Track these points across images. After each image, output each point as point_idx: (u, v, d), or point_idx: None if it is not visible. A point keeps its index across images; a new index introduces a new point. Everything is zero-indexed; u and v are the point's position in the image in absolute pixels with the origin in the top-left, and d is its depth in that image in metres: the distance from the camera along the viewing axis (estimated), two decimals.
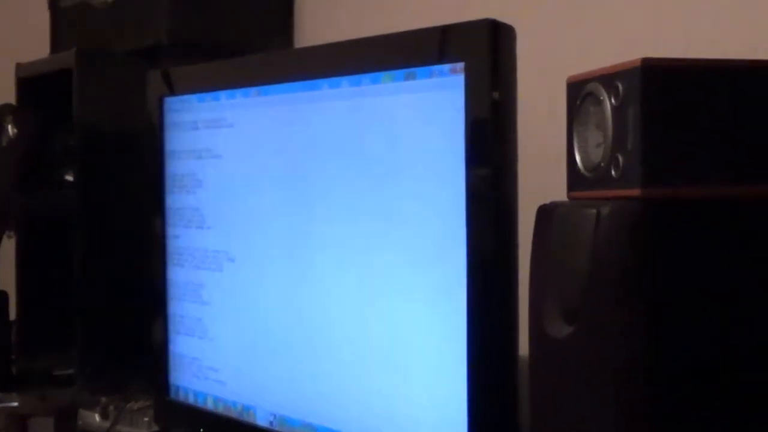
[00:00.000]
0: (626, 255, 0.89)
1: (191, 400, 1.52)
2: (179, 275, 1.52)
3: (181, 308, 1.52)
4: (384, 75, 1.20)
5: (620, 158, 0.91)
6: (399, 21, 1.28)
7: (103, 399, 1.68)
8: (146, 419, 1.62)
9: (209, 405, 1.48)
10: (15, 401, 1.77)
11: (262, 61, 1.45)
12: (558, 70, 1.06)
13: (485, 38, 1.07)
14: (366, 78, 1.22)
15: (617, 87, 0.91)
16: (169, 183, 1.54)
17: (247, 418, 1.41)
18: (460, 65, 1.10)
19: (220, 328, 1.46)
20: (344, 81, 1.25)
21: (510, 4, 1.51)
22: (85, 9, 1.98)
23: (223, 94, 1.44)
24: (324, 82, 1.27)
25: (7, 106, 1.90)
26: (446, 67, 1.12)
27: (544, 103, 1.24)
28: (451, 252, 1.11)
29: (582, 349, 0.92)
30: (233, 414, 1.43)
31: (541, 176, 1.16)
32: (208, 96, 1.46)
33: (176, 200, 1.52)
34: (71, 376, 1.80)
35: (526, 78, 1.09)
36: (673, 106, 0.89)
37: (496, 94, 1.07)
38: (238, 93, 1.41)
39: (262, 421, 1.38)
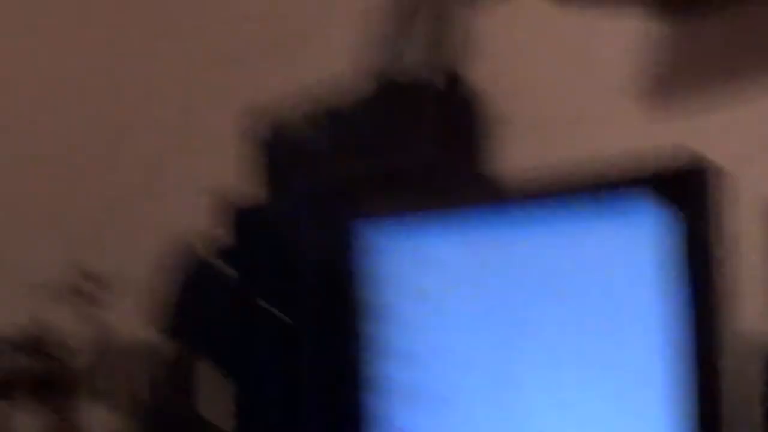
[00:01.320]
0: None
1: None
2: (378, 410, 1.52)
3: None
4: (590, 210, 1.19)
5: None
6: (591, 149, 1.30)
7: None
8: None
9: None
10: None
11: (461, 190, 1.45)
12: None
13: (697, 184, 1.07)
14: (573, 213, 1.22)
15: None
16: (368, 312, 1.54)
17: None
18: (671, 207, 1.10)
19: None
20: (552, 216, 1.24)
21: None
22: None
23: (424, 224, 1.43)
24: (530, 218, 1.27)
25: None
26: (655, 205, 1.12)
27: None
28: (660, 403, 1.10)
29: None
30: None
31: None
32: (407, 224, 1.46)
33: (374, 330, 1.52)
34: None
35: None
36: None
37: (707, 237, 1.06)
38: (441, 223, 1.41)
39: None
